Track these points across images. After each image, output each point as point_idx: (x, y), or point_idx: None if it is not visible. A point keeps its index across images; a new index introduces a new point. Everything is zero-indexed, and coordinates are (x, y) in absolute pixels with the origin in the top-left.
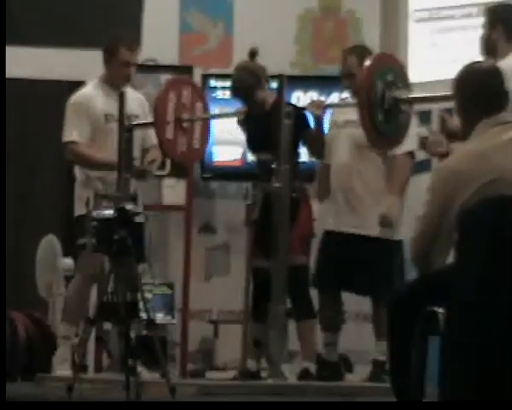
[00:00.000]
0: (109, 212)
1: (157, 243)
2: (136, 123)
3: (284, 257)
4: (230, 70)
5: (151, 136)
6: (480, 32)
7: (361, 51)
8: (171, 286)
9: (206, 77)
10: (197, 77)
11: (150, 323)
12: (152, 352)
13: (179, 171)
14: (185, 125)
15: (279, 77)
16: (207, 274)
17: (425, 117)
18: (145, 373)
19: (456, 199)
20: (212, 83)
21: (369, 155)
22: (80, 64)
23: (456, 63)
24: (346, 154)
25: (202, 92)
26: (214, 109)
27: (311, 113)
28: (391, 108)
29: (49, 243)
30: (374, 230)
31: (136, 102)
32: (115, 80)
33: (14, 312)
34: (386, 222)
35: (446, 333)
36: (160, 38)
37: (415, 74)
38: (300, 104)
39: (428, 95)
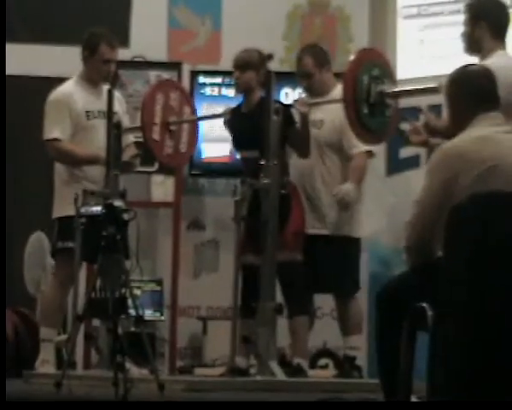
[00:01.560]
0: (97, 208)
1: (146, 240)
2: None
3: (273, 253)
4: (219, 66)
5: (128, 134)
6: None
7: (316, 51)
8: (159, 283)
9: (194, 73)
10: (186, 73)
11: (139, 319)
12: (141, 348)
13: (168, 168)
14: (172, 128)
15: (267, 73)
16: (196, 271)
17: (413, 113)
18: (134, 370)
19: (457, 182)
20: (201, 79)
21: (330, 155)
22: (68, 60)
23: (445, 60)
24: (314, 153)
25: (190, 97)
26: (203, 106)
27: (297, 110)
28: (376, 103)
29: (38, 240)
30: (335, 229)
31: (116, 100)
32: (95, 77)
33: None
34: (343, 202)
35: (434, 329)
36: (148, 34)
37: (403, 70)
38: (288, 101)
39: (413, 87)
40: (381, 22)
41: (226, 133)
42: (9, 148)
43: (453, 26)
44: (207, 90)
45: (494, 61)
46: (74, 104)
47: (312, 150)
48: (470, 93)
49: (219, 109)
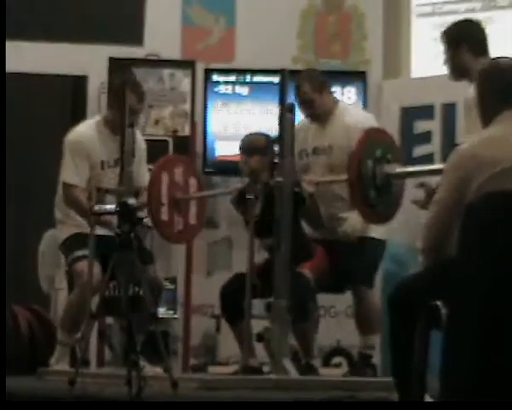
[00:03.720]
0: (111, 206)
1: (159, 238)
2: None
3: (287, 251)
4: (233, 64)
5: (144, 176)
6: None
7: (313, 76)
8: (173, 281)
9: (208, 71)
10: (199, 71)
11: (153, 317)
12: (154, 346)
13: None
14: (180, 203)
15: (281, 72)
16: (209, 269)
17: (427, 111)
18: (147, 368)
19: (473, 182)
20: (215, 77)
21: (344, 175)
22: (82, 59)
23: None
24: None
25: (195, 168)
26: (217, 104)
27: (305, 190)
28: (383, 184)
29: (52, 237)
30: (355, 232)
31: (136, 143)
32: (117, 125)
33: (16, 306)
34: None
35: (448, 328)
36: (162, 32)
37: (417, 69)
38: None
39: (420, 169)
40: (395, 20)
41: (239, 131)
42: (23, 145)
43: None
44: (221, 89)
45: None
46: (93, 152)
47: (326, 174)
48: (498, 87)
49: (233, 107)
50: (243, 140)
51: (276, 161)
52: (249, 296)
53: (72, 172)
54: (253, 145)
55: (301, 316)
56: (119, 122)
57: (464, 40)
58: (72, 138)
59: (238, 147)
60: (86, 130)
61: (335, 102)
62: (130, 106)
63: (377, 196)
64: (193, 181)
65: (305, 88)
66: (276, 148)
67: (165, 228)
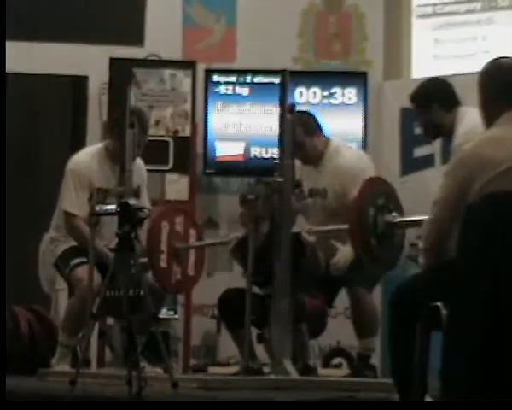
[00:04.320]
0: (112, 207)
1: None
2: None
3: (288, 251)
4: (234, 65)
5: (145, 204)
6: (484, 27)
7: (304, 119)
8: None
9: (209, 72)
10: (200, 72)
11: (153, 318)
12: (155, 347)
13: (182, 166)
14: (180, 253)
15: (282, 72)
16: (210, 269)
17: None
18: (148, 368)
19: (475, 183)
20: (215, 78)
21: (337, 221)
22: (83, 59)
23: (459, 59)
24: (321, 223)
25: (195, 220)
26: (217, 104)
27: (305, 240)
28: (384, 233)
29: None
30: None
31: (137, 170)
32: (119, 155)
33: (16, 306)
34: (337, 268)
35: (448, 329)
36: (162, 32)
37: (418, 70)
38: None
39: (421, 218)
40: (396, 21)
41: (240, 132)
42: (24, 145)
43: (468, 26)
44: (222, 89)
45: (466, 124)
46: (93, 181)
47: (324, 219)
48: (500, 88)
49: (234, 108)
50: (244, 192)
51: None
52: (249, 303)
53: (72, 202)
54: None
55: (294, 317)
56: (120, 153)
57: (434, 100)
58: (74, 167)
59: (239, 199)
60: (87, 158)
61: (327, 142)
62: (135, 138)
63: (378, 245)
64: (193, 232)
65: (297, 131)
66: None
67: (164, 277)
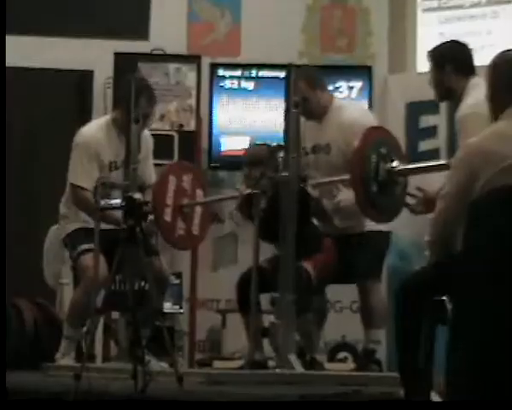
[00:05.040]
0: (117, 201)
1: None
2: None
3: (293, 245)
4: (238, 59)
5: (151, 174)
6: (489, 21)
7: (307, 74)
8: (178, 276)
9: (214, 66)
10: (205, 66)
11: (158, 312)
12: (160, 341)
13: (187, 161)
14: (185, 210)
15: (288, 66)
16: (215, 264)
17: (432, 106)
18: (153, 362)
19: (480, 177)
20: (221, 72)
21: (345, 169)
22: (88, 53)
23: None
24: (325, 179)
25: (203, 180)
26: (222, 99)
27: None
28: (385, 181)
29: (57, 232)
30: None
31: (143, 141)
32: (127, 127)
33: (21, 299)
34: (339, 209)
35: (454, 324)
36: (167, 27)
37: (423, 64)
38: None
39: (423, 165)
40: (401, 15)
41: (245, 126)
42: (29, 140)
43: (474, 20)
44: (227, 83)
45: (476, 96)
46: (101, 154)
47: (328, 175)
48: (507, 80)
49: (238, 102)
50: (247, 152)
51: (278, 171)
52: (256, 291)
53: (80, 174)
54: (256, 157)
55: (299, 310)
56: (126, 121)
57: (448, 61)
58: (81, 140)
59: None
60: (94, 130)
61: (331, 98)
62: (141, 110)
63: (379, 193)
64: (200, 192)
65: (300, 84)
66: (279, 156)
67: (167, 230)
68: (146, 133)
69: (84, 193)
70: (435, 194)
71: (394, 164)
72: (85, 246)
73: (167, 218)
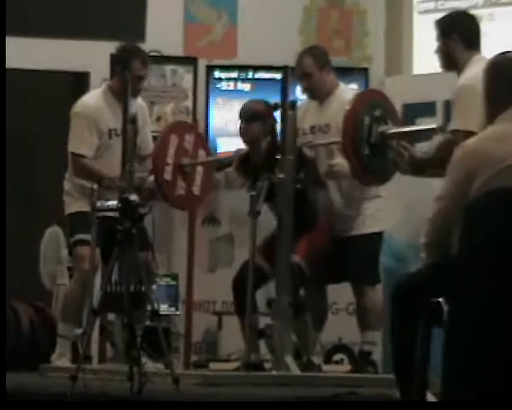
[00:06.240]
0: (113, 203)
1: (161, 235)
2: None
3: (288, 247)
4: (235, 61)
5: (149, 144)
6: (486, 23)
7: (315, 52)
8: (175, 277)
9: (210, 68)
10: (201, 68)
11: (154, 314)
12: (156, 343)
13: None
14: (186, 170)
15: (284, 68)
16: (211, 265)
17: (429, 108)
18: (149, 364)
19: (477, 178)
20: (217, 74)
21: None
22: (84, 55)
23: None
24: (319, 159)
25: (206, 141)
26: (218, 100)
27: (305, 154)
28: (377, 143)
29: (53, 234)
30: (351, 230)
31: (139, 110)
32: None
33: (17, 302)
34: (332, 172)
35: (450, 325)
36: (164, 28)
37: (419, 66)
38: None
39: (414, 128)
40: (398, 17)
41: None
42: (25, 141)
43: None
44: (223, 85)
45: (470, 74)
46: (101, 122)
47: (322, 155)
48: (504, 82)
49: (235, 104)
50: (243, 107)
51: (276, 127)
52: (251, 291)
53: (79, 143)
54: (253, 112)
55: (297, 309)
56: (123, 90)
57: (455, 31)
58: (79, 109)
59: (238, 115)
60: (92, 99)
61: (336, 83)
62: (135, 72)
63: (371, 155)
64: (202, 152)
65: (305, 61)
66: (276, 113)
67: (167, 188)
68: (141, 102)
69: (84, 161)
70: (420, 155)
71: (387, 127)
72: (81, 236)
73: (167, 176)
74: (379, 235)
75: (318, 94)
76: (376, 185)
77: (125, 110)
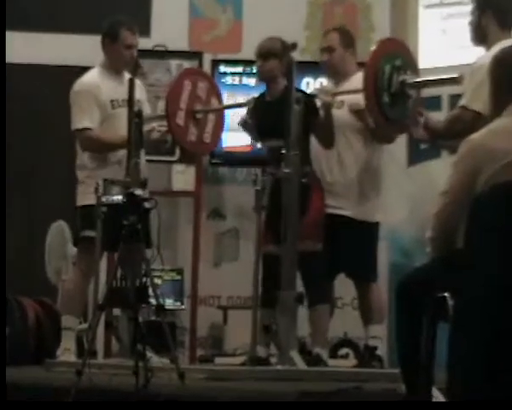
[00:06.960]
0: (118, 197)
1: (166, 229)
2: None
3: (294, 243)
4: (240, 55)
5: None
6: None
7: (343, 31)
8: (180, 272)
9: (215, 62)
10: (207, 62)
11: (159, 308)
12: (161, 337)
13: (188, 157)
14: (198, 116)
15: (289, 63)
16: (216, 260)
17: (434, 102)
18: (154, 359)
19: (482, 173)
20: (222, 68)
21: (349, 136)
22: (89, 50)
23: (467, 49)
24: (326, 153)
25: (219, 89)
26: (224, 95)
27: (321, 100)
28: (397, 92)
29: (59, 229)
30: (354, 213)
31: (138, 88)
32: (118, 65)
33: (23, 297)
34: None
35: (455, 320)
36: (169, 23)
37: (425, 60)
38: (310, 91)
39: (435, 78)
40: (403, 11)
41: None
42: (29, 136)
43: None
44: (228, 80)
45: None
46: (100, 94)
47: (337, 131)
48: (509, 76)
49: (240, 99)
50: (259, 45)
51: (292, 66)
52: (256, 286)
53: (81, 117)
54: (269, 49)
55: (318, 297)
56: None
57: (491, 7)
58: (77, 87)
59: (255, 54)
60: (89, 77)
61: (356, 68)
62: (124, 41)
63: (391, 104)
64: (214, 101)
65: (332, 36)
66: (292, 53)
67: (179, 133)
68: (138, 83)
69: (88, 132)
70: (433, 123)
71: (408, 76)
72: (88, 232)
73: (180, 121)
74: (376, 224)
75: (336, 72)
76: (395, 134)
77: (131, 106)
